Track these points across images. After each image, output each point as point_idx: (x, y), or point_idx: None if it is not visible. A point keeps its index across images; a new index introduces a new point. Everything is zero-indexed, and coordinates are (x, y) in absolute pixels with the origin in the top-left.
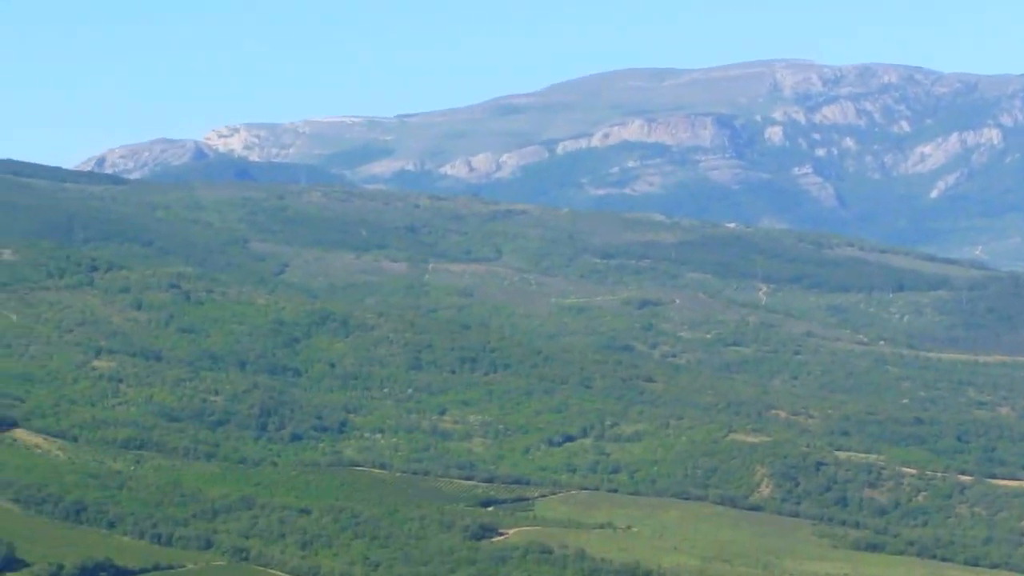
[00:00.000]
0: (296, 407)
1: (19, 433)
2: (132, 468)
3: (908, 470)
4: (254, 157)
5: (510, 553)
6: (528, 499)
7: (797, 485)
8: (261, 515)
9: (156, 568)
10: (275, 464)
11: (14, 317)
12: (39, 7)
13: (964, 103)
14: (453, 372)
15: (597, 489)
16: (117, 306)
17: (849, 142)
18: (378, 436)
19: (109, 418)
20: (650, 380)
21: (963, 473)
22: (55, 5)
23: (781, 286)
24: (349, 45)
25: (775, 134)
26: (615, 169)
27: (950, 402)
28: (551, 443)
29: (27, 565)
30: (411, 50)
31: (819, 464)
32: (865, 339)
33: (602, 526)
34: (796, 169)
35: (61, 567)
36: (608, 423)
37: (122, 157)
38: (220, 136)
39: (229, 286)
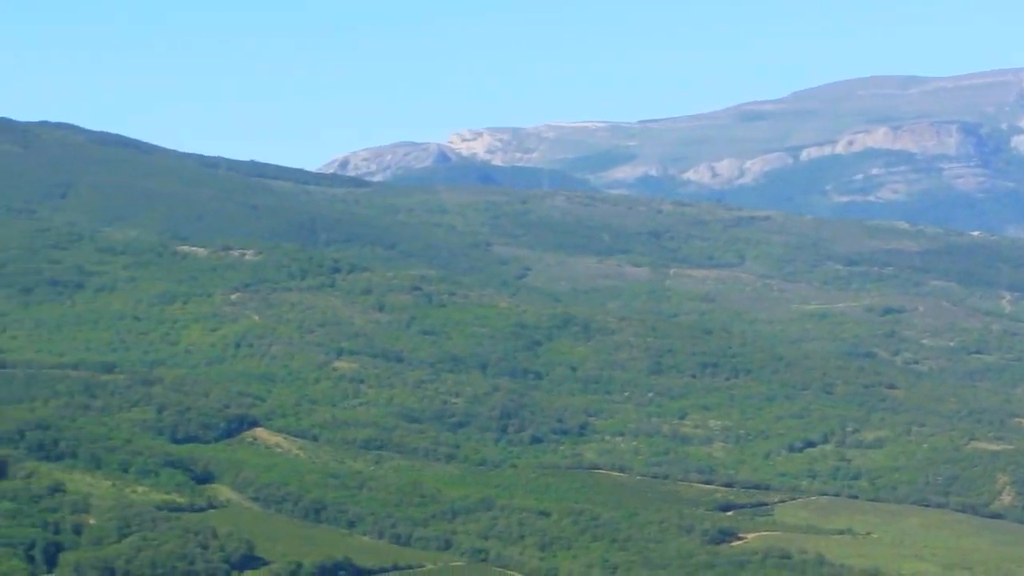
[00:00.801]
0: (537, 410)
1: (260, 432)
2: (372, 468)
3: None
4: (497, 161)
5: (749, 558)
6: (768, 504)
7: None
8: (500, 517)
9: (395, 568)
10: (515, 466)
11: (256, 317)
12: (285, 15)
13: None
14: (694, 376)
15: (837, 495)
16: (359, 307)
17: None
18: (618, 439)
19: (349, 418)
20: (892, 387)
21: None
22: (299, 13)
23: None
24: (592, 49)
25: (1021, 143)
26: (859, 176)
27: None
28: (791, 448)
29: (266, 563)
30: (654, 55)
31: None
32: None
33: (841, 532)
34: None
35: (300, 565)
36: (849, 429)
37: (365, 160)
38: (463, 140)
39: (471, 289)
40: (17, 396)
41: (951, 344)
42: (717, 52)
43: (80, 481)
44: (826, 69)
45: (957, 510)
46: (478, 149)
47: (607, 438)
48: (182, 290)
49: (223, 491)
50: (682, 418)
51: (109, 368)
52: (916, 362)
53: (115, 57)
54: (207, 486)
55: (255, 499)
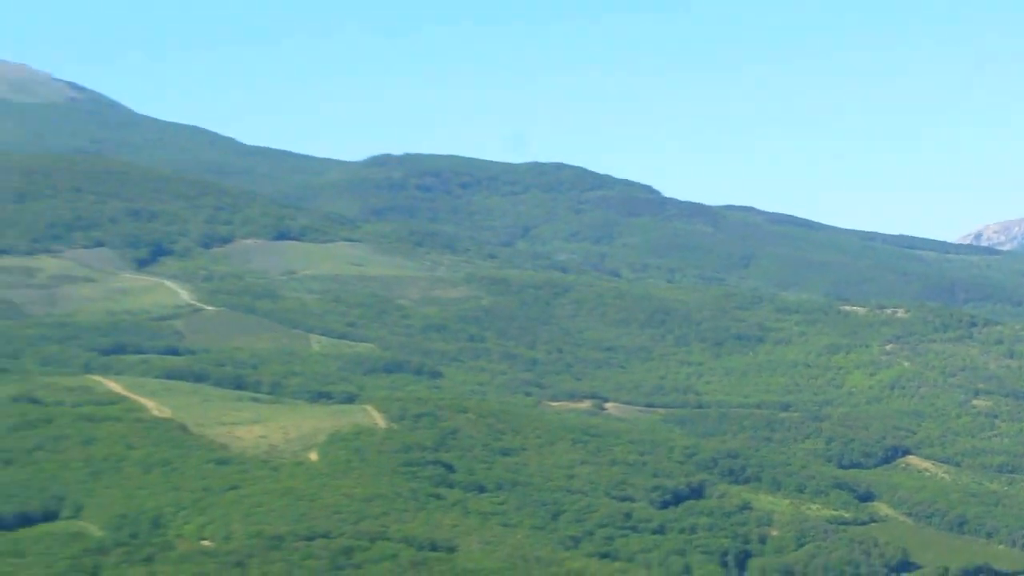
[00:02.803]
0: None
1: (911, 459)
2: (1006, 488)
3: None
4: None
5: None
6: None
7: None
8: None
9: None
10: None
11: (907, 364)
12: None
13: None
14: None
15: None
16: (992, 355)
17: None
18: None
19: (986, 447)
20: None
21: None
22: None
23: None
24: None
25: None
26: None
27: None
28: None
29: (919, 567)
30: None
31: None
32: None
33: None
34: None
35: (947, 569)
36: None
37: (995, 232)
38: None
39: None
40: (712, 430)
41: None
42: None
43: (764, 500)
44: None
45: None
46: None
47: None
48: (845, 342)
49: (882, 508)
50: None
51: (786, 407)
52: None
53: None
54: (868, 504)
55: (909, 514)
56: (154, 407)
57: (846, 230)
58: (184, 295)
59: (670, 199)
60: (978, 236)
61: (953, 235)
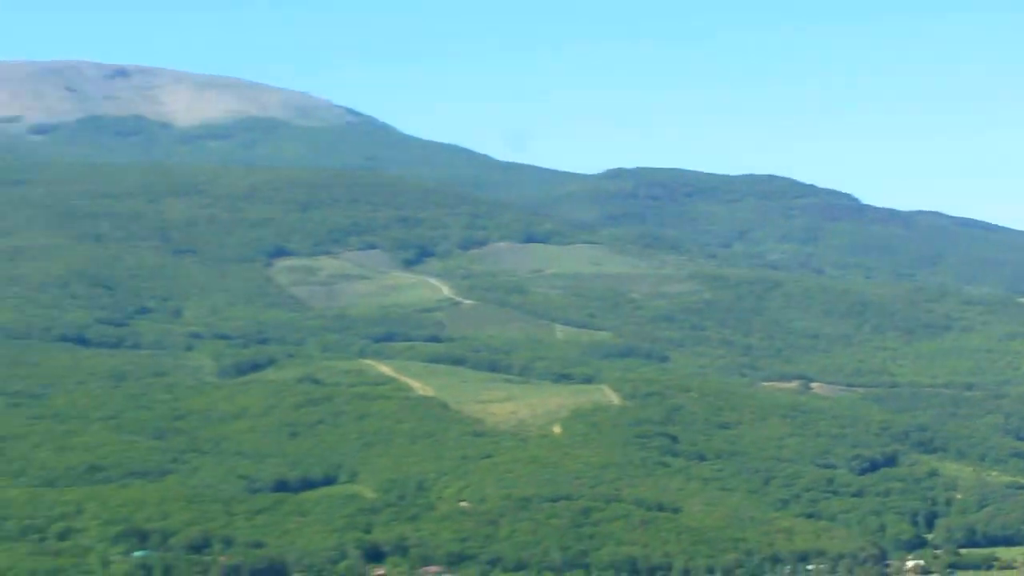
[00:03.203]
0: None
1: None
2: None
3: None
4: None
5: None
6: None
7: None
8: None
9: None
10: None
11: None
12: None
13: None
14: None
15: None
16: None
17: None
18: None
19: None
20: None
21: None
22: None
23: None
24: None
25: None
26: None
27: None
28: None
29: None
30: None
31: None
32: None
33: None
34: None
35: None
36: None
37: None
38: None
39: None
40: (904, 407)
41: None
42: None
43: (950, 468)
44: None
45: None
46: None
47: None
48: (1021, 330)
49: None
50: None
51: (969, 387)
52: None
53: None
54: None
55: None
56: (419, 387)
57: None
58: (445, 290)
59: (867, 206)
60: None
61: None
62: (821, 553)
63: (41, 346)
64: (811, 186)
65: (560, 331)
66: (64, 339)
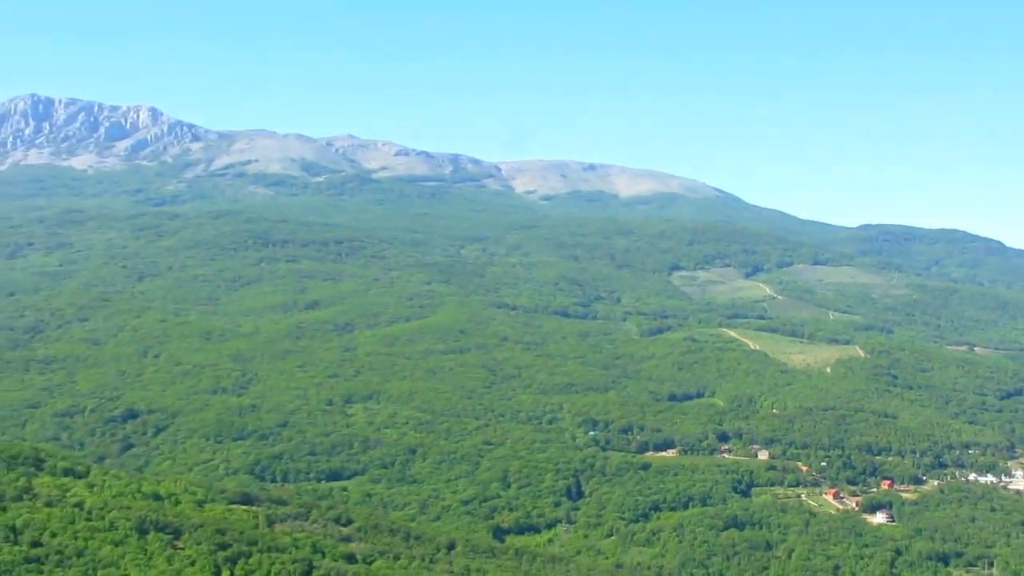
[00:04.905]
0: None
1: None
2: None
3: None
4: None
5: None
6: None
7: None
8: None
9: None
10: None
11: None
12: None
13: None
14: None
15: None
16: None
17: None
18: None
19: None
20: None
21: None
22: None
23: None
24: None
25: None
26: None
27: None
28: None
29: None
30: None
31: None
32: None
33: None
34: None
35: None
36: None
37: None
38: None
39: None
40: None
41: None
42: None
43: None
44: None
45: None
46: None
47: None
48: None
49: None
50: None
51: None
52: None
53: None
54: None
55: None
56: (751, 344)
57: None
58: (767, 290)
59: (1009, 247)
60: None
61: None
62: (976, 444)
63: (543, 317)
64: (975, 235)
65: (832, 315)
66: (555, 313)
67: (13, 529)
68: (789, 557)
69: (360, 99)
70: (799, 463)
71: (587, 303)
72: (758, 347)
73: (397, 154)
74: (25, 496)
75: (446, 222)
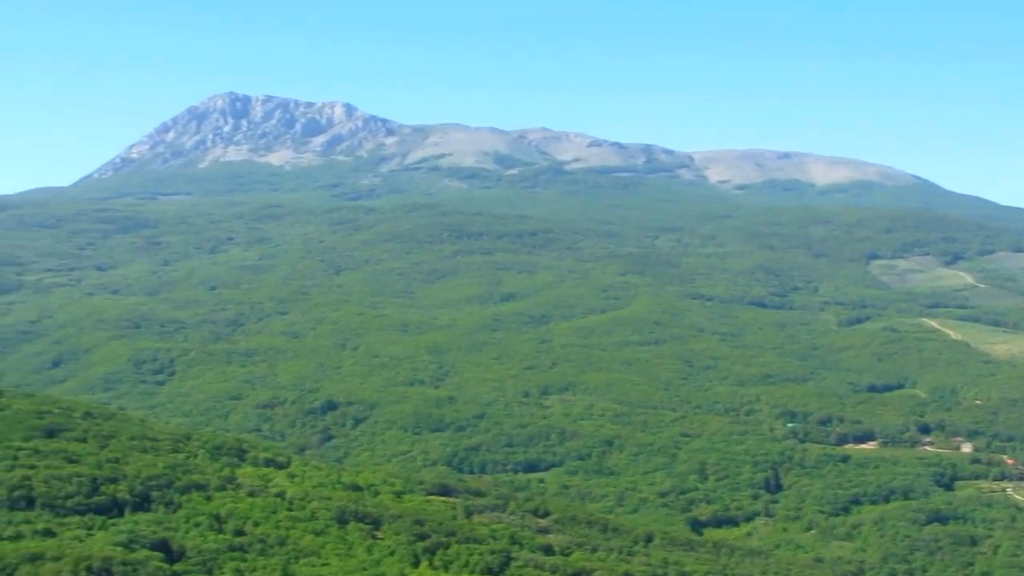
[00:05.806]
0: None
1: None
2: None
3: None
4: None
5: None
6: None
7: None
8: None
9: None
10: None
11: None
12: None
13: None
14: None
15: None
16: None
17: None
18: None
19: None
20: None
21: None
22: None
23: None
24: None
25: None
26: None
27: None
28: None
29: None
30: None
31: None
32: None
33: None
34: None
35: None
36: None
37: None
38: None
39: None
40: None
41: None
42: None
43: None
44: None
45: None
46: None
47: None
48: None
49: None
50: None
51: None
52: None
53: None
54: None
55: None
56: (952, 334)
57: None
58: (969, 279)
59: None
60: None
61: None
62: None
63: (739, 308)
64: None
65: None
66: (751, 303)
67: (218, 518)
68: (995, 552)
69: (551, 91)
70: (1004, 456)
71: (783, 293)
72: (959, 337)
73: (590, 145)
74: (229, 486)
75: (639, 213)
